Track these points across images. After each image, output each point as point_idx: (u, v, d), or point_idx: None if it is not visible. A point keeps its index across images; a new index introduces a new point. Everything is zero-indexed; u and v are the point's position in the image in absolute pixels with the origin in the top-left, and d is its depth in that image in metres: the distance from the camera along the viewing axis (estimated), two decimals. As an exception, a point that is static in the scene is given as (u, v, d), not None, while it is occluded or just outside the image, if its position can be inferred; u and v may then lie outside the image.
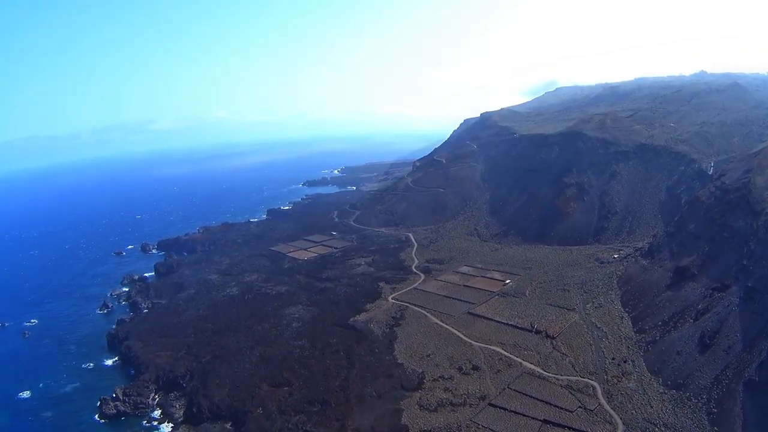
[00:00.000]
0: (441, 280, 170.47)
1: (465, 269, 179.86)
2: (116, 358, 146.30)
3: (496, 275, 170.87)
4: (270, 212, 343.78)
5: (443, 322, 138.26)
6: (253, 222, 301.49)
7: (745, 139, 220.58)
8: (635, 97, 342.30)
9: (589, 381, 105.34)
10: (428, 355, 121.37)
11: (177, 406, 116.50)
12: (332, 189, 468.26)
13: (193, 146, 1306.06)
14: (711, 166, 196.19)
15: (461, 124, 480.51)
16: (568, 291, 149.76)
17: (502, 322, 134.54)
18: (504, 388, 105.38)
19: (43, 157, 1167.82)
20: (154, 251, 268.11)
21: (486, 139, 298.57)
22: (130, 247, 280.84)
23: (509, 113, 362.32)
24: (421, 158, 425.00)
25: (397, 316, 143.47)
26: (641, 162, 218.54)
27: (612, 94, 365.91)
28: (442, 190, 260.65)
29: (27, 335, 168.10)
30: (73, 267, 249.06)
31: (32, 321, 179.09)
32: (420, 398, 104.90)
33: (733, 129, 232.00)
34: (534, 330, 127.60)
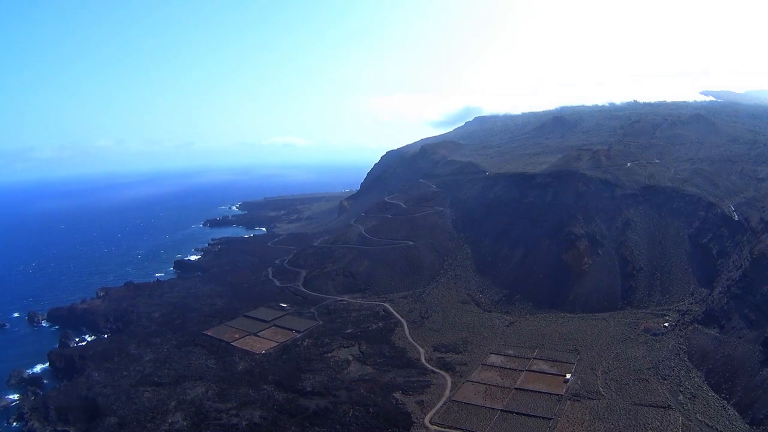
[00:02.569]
0: (477, 382, 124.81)
1: (495, 359, 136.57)
2: None
3: (545, 366, 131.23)
4: (178, 265, 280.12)
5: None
6: (165, 282, 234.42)
7: (741, 177, 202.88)
8: (586, 127, 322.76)
9: None
10: None
11: None
12: (239, 231, 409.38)
13: (76, 176, 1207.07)
14: (733, 211, 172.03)
15: (383, 157, 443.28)
16: (648, 381, 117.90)
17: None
18: None
19: None
20: (43, 323, 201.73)
21: (448, 178, 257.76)
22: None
23: (454, 145, 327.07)
24: (349, 197, 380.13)
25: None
26: (652, 207, 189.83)
27: (558, 123, 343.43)
28: (411, 242, 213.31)
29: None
30: None
31: None
32: None
33: (724, 166, 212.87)
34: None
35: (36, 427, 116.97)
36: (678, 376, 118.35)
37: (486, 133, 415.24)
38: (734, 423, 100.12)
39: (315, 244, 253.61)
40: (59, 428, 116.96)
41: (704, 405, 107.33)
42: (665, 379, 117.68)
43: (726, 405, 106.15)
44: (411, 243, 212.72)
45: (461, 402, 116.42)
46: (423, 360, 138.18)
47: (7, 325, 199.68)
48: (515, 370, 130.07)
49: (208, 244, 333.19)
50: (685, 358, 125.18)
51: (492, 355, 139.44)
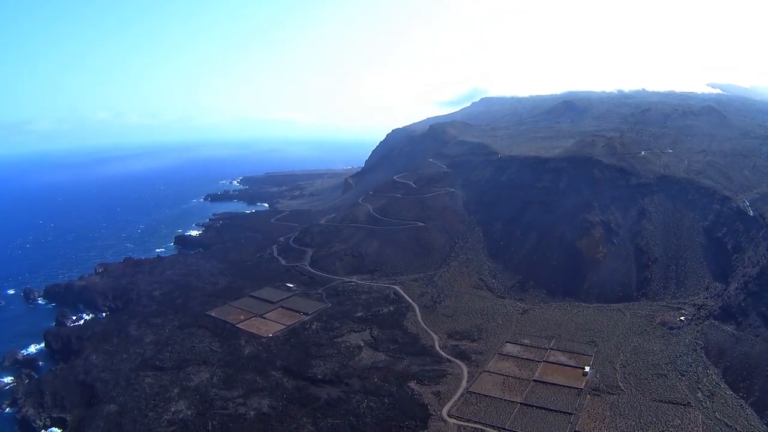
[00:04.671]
0: (495, 372, 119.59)
1: (512, 348, 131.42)
2: None
3: (562, 357, 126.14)
4: (179, 240, 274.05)
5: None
6: (165, 258, 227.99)
7: (754, 172, 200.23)
8: (596, 113, 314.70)
9: None
10: None
11: None
12: (240, 206, 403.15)
13: (74, 148, 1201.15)
14: (748, 206, 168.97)
15: (389, 135, 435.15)
16: (666, 376, 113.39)
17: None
18: None
19: None
20: (40, 300, 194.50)
21: (459, 159, 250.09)
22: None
23: (463, 125, 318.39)
24: (354, 175, 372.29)
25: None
26: (667, 197, 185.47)
27: (567, 108, 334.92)
28: (421, 224, 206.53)
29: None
30: None
31: None
32: None
33: (737, 160, 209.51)
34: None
35: (30, 414, 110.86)
36: (696, 373, 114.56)
37: (494, 115, 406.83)
38: (752, 423, 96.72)
39: (321, 222, 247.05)
40: (54, 415, 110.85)
41: (723, 403, 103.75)
42: (683, 375, 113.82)
43: (744, 404, 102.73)
44: (421, 224, 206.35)
45: (479, 394, 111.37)
46: (437, 347, 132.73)
47: (2, 302, 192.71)
48: (532, 360, 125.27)
49: (209, 220, 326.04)
50: (702, 354, 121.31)
51: (508, 344, 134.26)
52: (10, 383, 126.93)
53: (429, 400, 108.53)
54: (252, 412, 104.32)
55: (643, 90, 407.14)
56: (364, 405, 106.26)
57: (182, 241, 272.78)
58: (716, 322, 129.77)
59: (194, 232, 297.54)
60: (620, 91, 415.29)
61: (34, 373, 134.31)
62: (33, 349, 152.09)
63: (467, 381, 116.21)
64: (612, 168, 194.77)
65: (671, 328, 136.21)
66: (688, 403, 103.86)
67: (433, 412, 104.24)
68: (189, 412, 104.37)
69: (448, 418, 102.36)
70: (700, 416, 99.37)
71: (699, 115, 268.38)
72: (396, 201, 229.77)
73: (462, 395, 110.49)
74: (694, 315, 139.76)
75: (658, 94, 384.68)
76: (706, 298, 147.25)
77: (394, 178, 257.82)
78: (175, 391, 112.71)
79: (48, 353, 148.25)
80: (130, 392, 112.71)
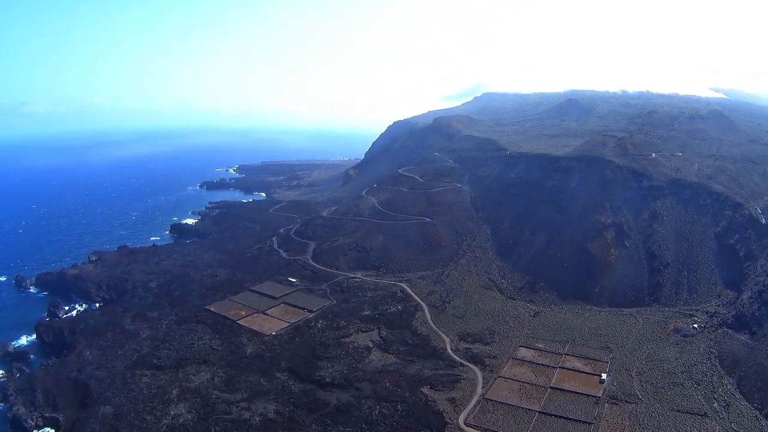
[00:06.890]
0: (510, 378, 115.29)
1: (526, 353, 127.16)
2: None
3: (578, 364, 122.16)
4: (175, 229, 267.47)
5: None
6: (161, 247, 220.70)
7: (764, 179, 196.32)
8: (601, 112, 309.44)
9: None
10: None
11: None
12: (237, 194, 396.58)
13: (71, 132, 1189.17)
14: (760, 214, 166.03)
15: (390, 127, 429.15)
16: (682, 385, 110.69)
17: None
18: None
19: None
20: (32, 289, 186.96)
21: (465, 154, 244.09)
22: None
23: (468, 120, 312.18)
24: (355, 167, 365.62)
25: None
26: (679, 201, 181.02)
27: (572, 106, 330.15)
28: (428, 219, 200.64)
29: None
30: None
31: None
32: None
33: (747, 166, 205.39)
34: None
35: (22, 413, 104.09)
36: (711, 382, 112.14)
37: (497, 111, 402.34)
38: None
39: (324, 214, 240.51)
40: (47, 414, 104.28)
41: (738, 414, 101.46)
42: (699, 385, 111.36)
43: (758, 416, 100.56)
44: (428, 219, 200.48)
45: (496, 401, 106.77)
46: (449, 350, 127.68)
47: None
48: (548, 366, 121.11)
49: (206, 208, 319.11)
50: (717, 363, 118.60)
51: (522, 348, 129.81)
52: (1, 378, 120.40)
53: (444, 407, 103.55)
54: (257, 418, 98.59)
55: (647, 91, 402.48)
56: (377, 412, 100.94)
57: (178, 230, 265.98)
58: (730, 331, 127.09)
59: (190, 221, 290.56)
60: (624, 92, 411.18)
61: (25, 367, 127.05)
62: (24, 340, 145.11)
63: (482, 387, 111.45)
64: (624, 169, 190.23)
65: (684, 336, 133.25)
66: (705, 413, 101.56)
67: (449, 420, 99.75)
68: (189, 417, 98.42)
69: (465, 427, 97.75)
70: (717, 427, 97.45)
71: (706, 119, 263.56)
72: (402, 195, 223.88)
73: (478, 402, 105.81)
74: (707, 323, 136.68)
75: (662, 96, 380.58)
76: (719, 305, 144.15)
77: (399, 171, 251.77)
78: (174, 392, 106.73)
79: (40, 346, 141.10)
80: (126, 393, 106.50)
